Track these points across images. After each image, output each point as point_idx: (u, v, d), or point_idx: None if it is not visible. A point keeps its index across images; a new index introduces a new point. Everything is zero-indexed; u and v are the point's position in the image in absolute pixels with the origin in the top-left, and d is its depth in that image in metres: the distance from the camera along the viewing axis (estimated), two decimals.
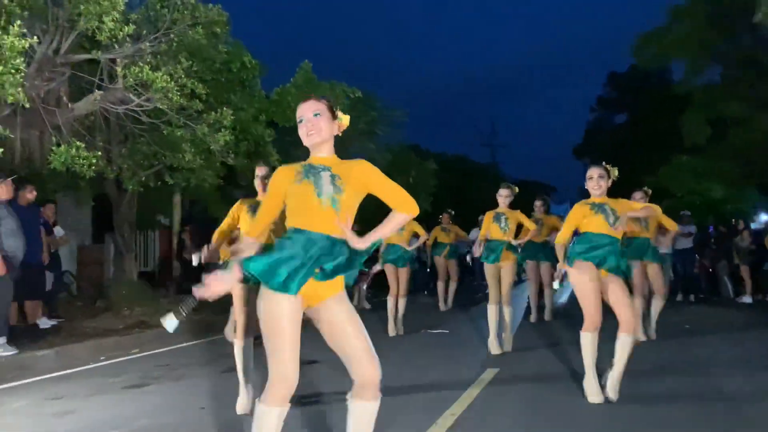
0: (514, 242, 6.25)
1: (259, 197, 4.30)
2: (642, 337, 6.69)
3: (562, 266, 4.42)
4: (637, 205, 4.45)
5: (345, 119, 2.59)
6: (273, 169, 4.26)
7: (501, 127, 40.47)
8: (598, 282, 4.14)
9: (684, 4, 16.26)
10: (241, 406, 3.98)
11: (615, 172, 4.36)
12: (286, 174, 2.49)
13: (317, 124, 2.46)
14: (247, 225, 4.13)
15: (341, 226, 2.36)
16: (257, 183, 4.34)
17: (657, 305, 6.78)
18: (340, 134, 2.62)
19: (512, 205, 6.36)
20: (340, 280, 2.39)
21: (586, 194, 4.44)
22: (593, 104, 32.13)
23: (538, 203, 8.40)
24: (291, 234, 2.37)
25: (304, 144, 2.52)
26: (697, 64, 16.16)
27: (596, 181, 4.25)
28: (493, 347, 6.11)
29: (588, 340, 4.17)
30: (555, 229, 8.45)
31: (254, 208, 4.18)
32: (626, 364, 4.09)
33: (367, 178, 2.47)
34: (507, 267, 6.18)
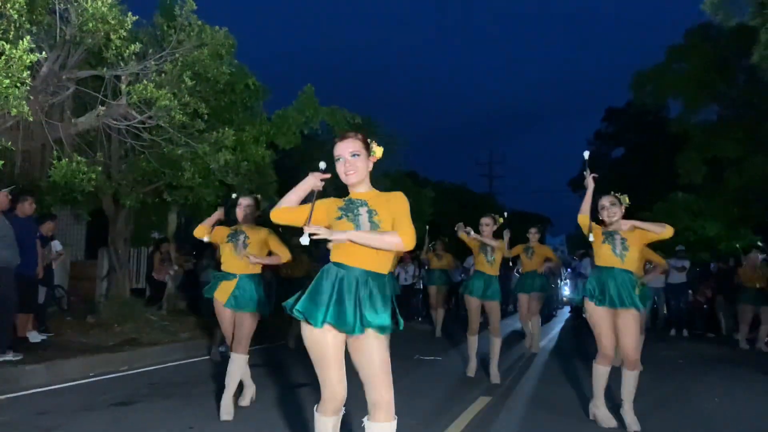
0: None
1: (242, 226, 4.45)
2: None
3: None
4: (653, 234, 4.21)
5: (378, 151, 2.71)
6: (257, 201, 4.55)
7: (499, 159, 40.82)
8: (609, 315, 4.12)
9: (682, 44, 16.53)
10: None
11: (626, 199, 4.37)
12: (330, 207, 2.62)
13: (355, 165, 2.58)
14: (228, 251, 4.37)
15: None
16: (238, 211, 4.48)
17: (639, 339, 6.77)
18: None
19: (498, 233, 6.19)
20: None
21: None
22: (590, 138, 32.35)
23: (532, 230, 8.41)
24: (329, 266, 2.51)
25: (343, 181, 2.63)
26: (694, 103, 16.32)
27: (609, 209, 4.27)
28: (471, 370, 6.28)
29: (599, 373, 4.18)
30: (547, 260, 8.50)
31: (232, 236, 4.41)
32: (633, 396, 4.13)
33: (395, 207, 2.54)
34: (493, 302, 6.02)
